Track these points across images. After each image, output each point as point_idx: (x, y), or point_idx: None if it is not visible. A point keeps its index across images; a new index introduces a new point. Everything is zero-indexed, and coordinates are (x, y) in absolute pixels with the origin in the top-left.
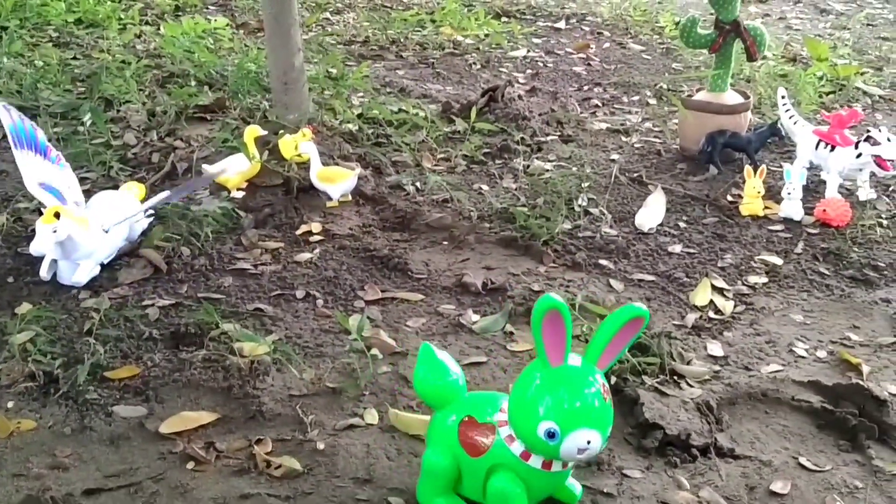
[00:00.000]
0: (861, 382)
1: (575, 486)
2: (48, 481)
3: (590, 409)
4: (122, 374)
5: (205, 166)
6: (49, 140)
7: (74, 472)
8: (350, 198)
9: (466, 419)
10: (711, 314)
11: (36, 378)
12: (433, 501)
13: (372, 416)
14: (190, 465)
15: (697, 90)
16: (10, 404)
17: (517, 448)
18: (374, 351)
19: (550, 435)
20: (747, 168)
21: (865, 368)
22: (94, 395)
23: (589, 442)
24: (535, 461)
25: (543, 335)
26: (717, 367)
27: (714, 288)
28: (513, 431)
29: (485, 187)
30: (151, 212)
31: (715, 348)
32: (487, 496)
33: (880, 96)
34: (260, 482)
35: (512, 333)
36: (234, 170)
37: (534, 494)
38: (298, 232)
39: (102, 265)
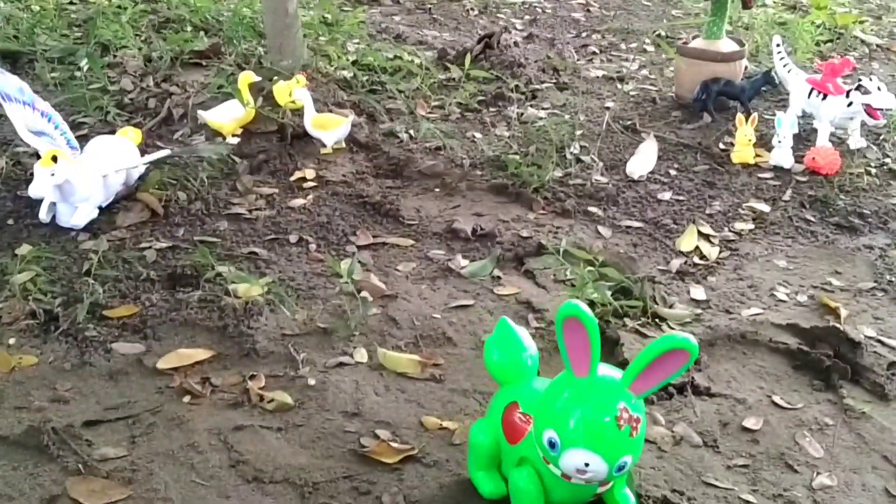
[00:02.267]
0: (838, 325)
1: (629, 497)
2: (49, 413)
3: (594, 430)
4: (121, 313)
5: (199, 112)
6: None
7: (75, 405)
8: (344, 145)
9: (511, 404)
10: (696, 259)
11: (36, 316)
12: (475, 473)
13: (361, 355)
14: (186, 398)
15: (693, 37)
16: (11, 341)
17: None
18: (365, 294)
19: (551, 444)
20: (739, 116)
21: (844, 312)
22: (93, 332)
23: (587, 464)
24: (555, 469)
25: (565, 343)
26: (698, 311)
27: (700, 234)
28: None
29: (478, 135)
30: (148, 157)
31: (698, 292)
32: (509, 486)
33: (878, 45)
34: (253, 415)
35: (499, 278)
36: (229, 116)
37: (555, 498)
38: (292, 178)
39: (100, 208)
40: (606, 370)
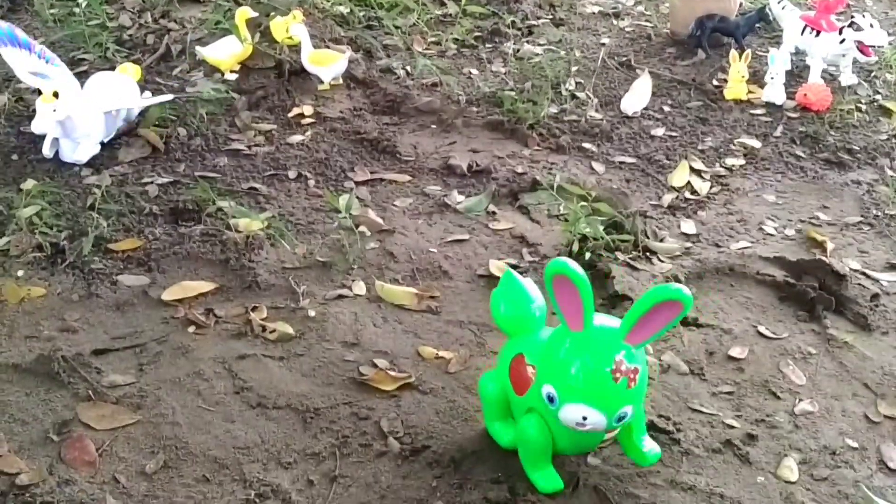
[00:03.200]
0: (824, 258)
1: (653, 448)
2: (59, 342)
3: (590, 385)
4: (125, 247)
5: (197, 48)
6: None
7: (83, 335)
8: (341, 81)
9: (518, 356)
10: (687, 195)
11: (43, 249)
12: (491, 424)
13: (360, 288)
14: (191, 329)
15: None
16: (19, 273)
17: None
18: (363, 228)
19: (550, 399)
20: (733, 53)
21: (830, 246)
22: (99, 265)
23: (585, 418)
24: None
25: (557, 299)
26: (688, 244)
27: (692, 170)
28: None
29: (474, 71)
30: (148, 93)
31: (688, 226)
32: (516, 435)
33: None
34: (256, 345)
35: (494, 213)
36: (227, 52)
37: (562, 446)
38: (291, 114)
39: (102, 144)
40: (605, 320)
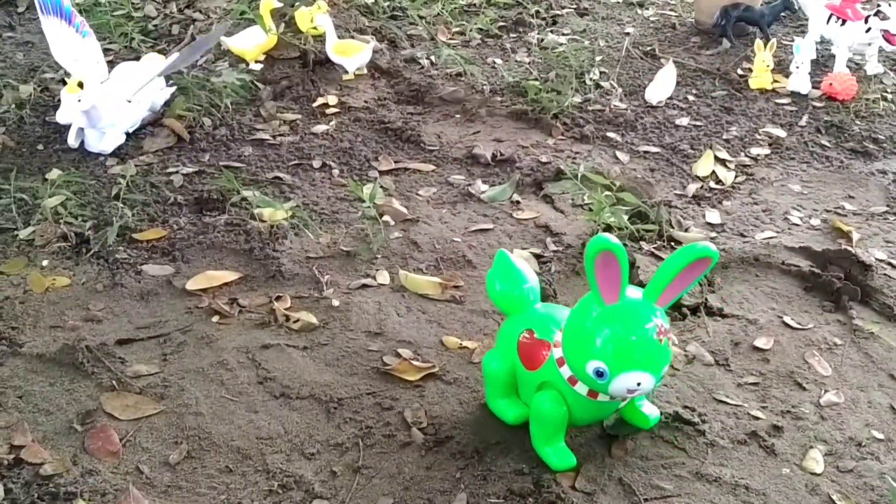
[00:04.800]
0: (849, 248)
1: (652, 411)
2: (83, 332)
3: (641, 350)
4: (150, 236)
5: (222, 38)
6: None
7: (107, 324)
8: (365, 71)
9: (527, 332)
10: (712, 184)
11: (68, 239)
12: (494, 402)
13: (383, 277)
14: (215, 318)
15: None
16: (44, 263)
17: (566, 371)
18: (387, 217)
19: (599, 374)
20: (758, 42)
21: (856, 236)
22: (123, 254)
23: (639, 383)
24: (581, 388)
25: (596, 276)
26: (713, 234)
27: (717, 159)
28: (565, 359)
29: (498, 61)
30: (173, 82)
31: (713, 216)
32: (531, 410)
33: None
34: (280, 334)
35: (518, 203)
36: (252, 42)
37: (578, 418)
38: (315, 104)
39: (127, 134)
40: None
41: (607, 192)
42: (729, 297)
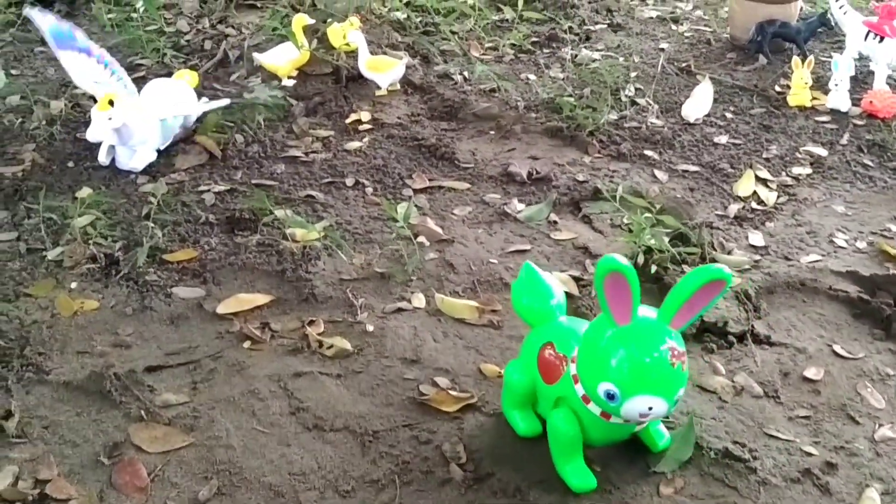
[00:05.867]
0: None
1: (663, 433)
2: (111, 358)
3: (654, 374)
4: (180, 257)
5: (255, 54)
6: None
7: (136, 350)
8: (398, 87)
9: (547, 345)
10: (754, 205)
11: (97, 260)
12: (510, 412)
13: (419, 300)
14: (246, 344)
15: None
16: (73, 285)
17: (580, 389)
18: (422, 238)
19: (610, 396)
20: (795, 59)
21: None
22: (153, 276)
23: (651, 408)
24: (594, 408)
25: (606, 296)
26: (757, 257)
27: (758, 179)
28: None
29: (532, 77)
30: (206, 99)
31: (756, 238)
32: (548, 427)
33: None
34: (313, 361)
35: (555, 222)
36: (285, 58)
37: (593, 438)
38: (348, 121)
39: (159, 151)
40: (641, 309)
41: (647, 214)
42: (776, 324)
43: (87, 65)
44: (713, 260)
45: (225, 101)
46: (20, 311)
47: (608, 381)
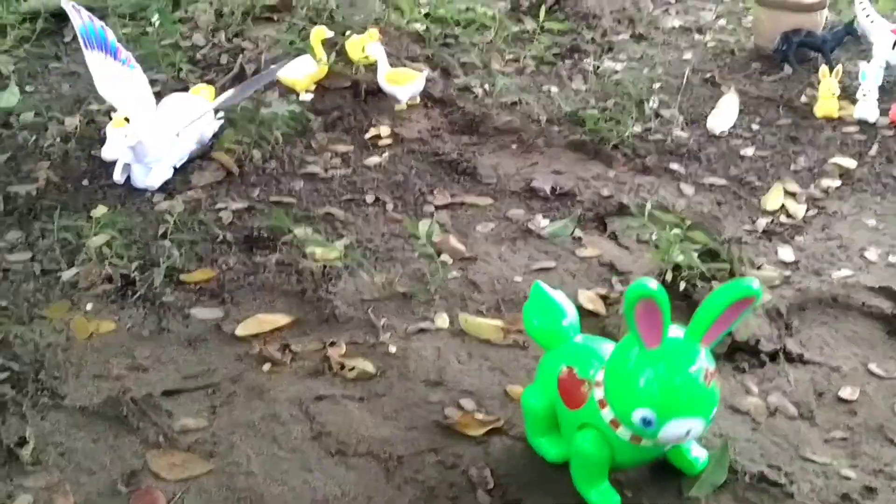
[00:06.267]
0: None
1: (700, 454)
2: (128, 382)
3: (689, 395)
4: (198, 277)
5: (272, 68)
6: (119, 41)
7: (153, 373)
8: (418, 100)
9: (567, 369)
10: (783, 218)
11: (113, 280)
12: (536, 440)
13: (442, 321)
14: (266, 366)
15: None
16: (88, 306)
17: (607, 414)
18: (444, 256)
19: (646, 422)
20: (822, 68)
21: None
22: (170, 297)
23: (688, 431)
24: (624, 432)
25: (637, 322)
26: (787, 272)
27: (786, 192)
28: (608, 404)
29: (554, 89)
30: (221, 114)
31: (786, 253)
32: (571, 452)
33: None
34: (334, 384)
35: (580, 239)
36: (303, 72)
37: (621, 461)
38: (367, 135)
39: (175, 168)
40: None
41: (676, 230)
42: (808, 342)
43: (112, 69)
44: (743, 276)
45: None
46: (35, 333)
47: (643, 407)
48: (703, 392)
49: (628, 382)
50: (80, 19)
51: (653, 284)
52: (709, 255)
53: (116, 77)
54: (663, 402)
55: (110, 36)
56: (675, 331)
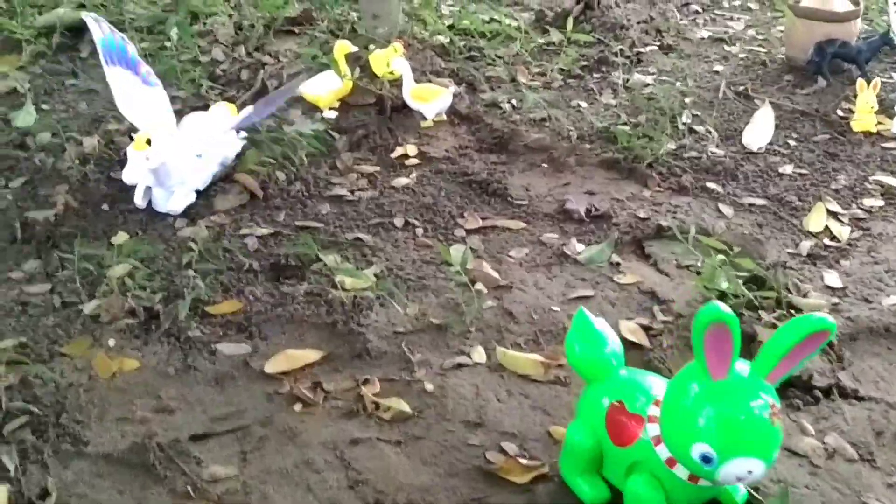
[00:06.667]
0: None
1: (738, 489)
2: (154, 426)
3: (753, 434)
4: (224, 310)
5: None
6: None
7: (180, 416)
8: (444, 117)
9: (616, 404)
10: (826, 241)
11: (136, 314)
12: (573, 478)
13: (479, 355)
14: (297, 406)
15: None
16: (111, 342)
17: (663, 452)
18: (479, 285)
19: (706, 459)
20: (860, 81)
21: None
22: (196, 331)
23: (750, 471)
24: (681, 471)
25: (705, 349)
26: (834, 300)
27: (828, 212)
28: (663, 440)
29: (583, 104)
30: (244, 134)
31: (832, 278)
32: (625, 495)
33: None
34: (369, 425)
35: (618, 264)
36: (326, 88)
37: (675, 500)
38: (394, 155)
39: (198, 191)
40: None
41: (721, 257)
42: (862, 375)
43: (132, 85)
44: (790, 304)
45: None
46: (55, 372)
47: (703, 442)
48: (768, 430)
49: (688, 417)
50: (101, 32)
51: (725, 308)
52: (753, 281)
53: (137, 94)
54: (725, 439)
55: (131, 49)
56: (741, 365)
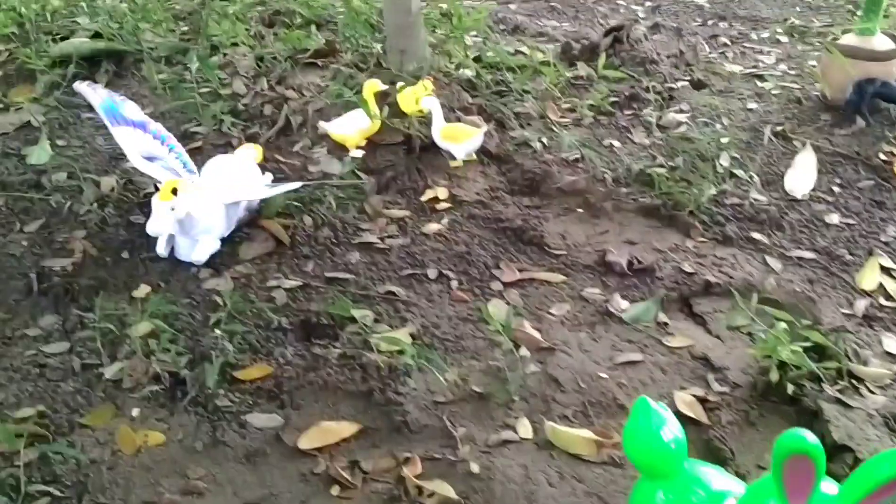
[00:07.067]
0: None
1: None
2: None
3: None
4: (254, 375)
5: (321, 123)
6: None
7: (210, 498)
8: (474, 156)
9: None
10: (882, 300)
11: (161, 380)
12: None
13: (525, 429)
14: (335, 490)
15: (844, 33)
16: (135, 412)
17: None
18: (522, 350)
19: None
20: None
21: None
22: (224, 400)
23: None
24: None
25: (784, 480)
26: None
27: (881, 267)
28: None
29: (616, 143)
30: (270, 176)
31: (891, 343)
32: None
33: None
34: None
35: (666, 324)
36: (354, 127)
37: None
38: (424, 198)
39: (222, 238)
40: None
41: (784, 325)
42: None
43: (143, 141)
44: (852, 374)
45: (296, 185)
46: (76, 447)
47: None
48: None
49: None
50: (99, 97)
51: (810, 438)
52: (813, 348)
53: (150, 150)
54: None
55: (132, 109)
56: (828, 486)
